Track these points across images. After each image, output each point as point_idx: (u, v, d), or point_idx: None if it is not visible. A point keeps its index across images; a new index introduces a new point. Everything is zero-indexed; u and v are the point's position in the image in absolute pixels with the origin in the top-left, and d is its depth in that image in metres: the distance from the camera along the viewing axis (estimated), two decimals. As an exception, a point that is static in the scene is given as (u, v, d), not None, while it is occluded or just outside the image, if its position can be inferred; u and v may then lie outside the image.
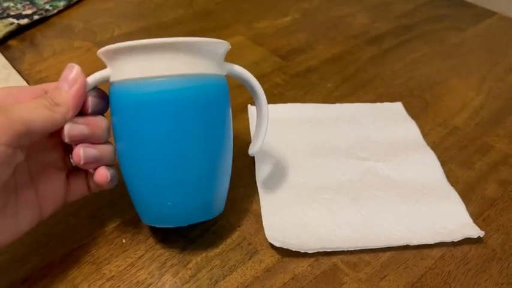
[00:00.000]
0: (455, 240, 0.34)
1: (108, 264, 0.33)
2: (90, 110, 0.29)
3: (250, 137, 0.44)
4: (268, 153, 0.42)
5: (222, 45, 0.30)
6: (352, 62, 0.58)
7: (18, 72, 0.53)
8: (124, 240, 0.34)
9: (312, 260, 0.33)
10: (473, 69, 0.58)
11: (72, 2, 0.69)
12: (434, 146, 0.44)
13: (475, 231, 0.35)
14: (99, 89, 0.30)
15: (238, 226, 0.36)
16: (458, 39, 0.65)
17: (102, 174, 0.30)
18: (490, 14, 0.73)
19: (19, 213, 0.28)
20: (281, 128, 0.45)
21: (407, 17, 0.70)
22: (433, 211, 0.37)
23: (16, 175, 0.28)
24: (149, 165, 0.30)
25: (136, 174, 0.31)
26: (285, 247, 0.33)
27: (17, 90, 0.28)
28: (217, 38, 0.30)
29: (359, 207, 0.37)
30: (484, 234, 0.35)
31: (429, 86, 0.54)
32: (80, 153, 0.29)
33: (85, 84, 0.28)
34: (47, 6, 0.66)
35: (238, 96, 0.48)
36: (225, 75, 0.32)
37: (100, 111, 0.30)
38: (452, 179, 0.41)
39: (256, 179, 0.39)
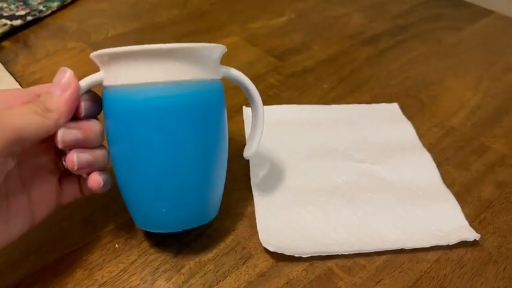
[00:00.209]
0: (450, 244, 0.34)
1: (100, 269, 0.32)
2: (83, 114, 0.29)
3: (245, 139, 0.44)
4: (264, 155, 0.42)
5: (218, 50, 0.30)
6: (348, 62, 0.58)
7: (11, 74, 0.52)
8: (117, 245, 0.34)
9: (306, 264, 0.33)
10: (470, 68, 0.58)
11: (66, 3, 0.68)
12: (430, 147, 0.44)
13: (471, 234, 0.35)
14: (91, 91, 0.30)
15: (233, 230, 0.35)
16: (455, 38, 0.65)
17: (95, 180, 0.29)
18: (487, 13, 0.72)
19: (10, 220, 0.28)
20: (276, 130, 0.45)
21: (403, 17, 0.70)
22: (428, 214, 0.37)
23: (7, 181, 0.28)
24: (144, 171, 0.29)
25: (131, 180, 0.30)
26: (279, 251, 0.33)
27: (7, 94, 0.28)
28: (212, 39, 0.30)
29: (355, 210, 0.37)
30: (480, 237, 0.34)
31: (425, 86, 0.54)
32: (74, 159, 0.28)
33: (78, 88, 0.28)
34: (41, 7, 0.65)
35: (233, 98, 0.47)
36: (221, 79, 0.32)
37: (93, 115, 0.30)
38: (449, 181, 0.40)
39: (251, 182, 0.39)
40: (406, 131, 0.46)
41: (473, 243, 0.35)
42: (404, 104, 0.50)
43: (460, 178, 0.41)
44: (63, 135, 0.27)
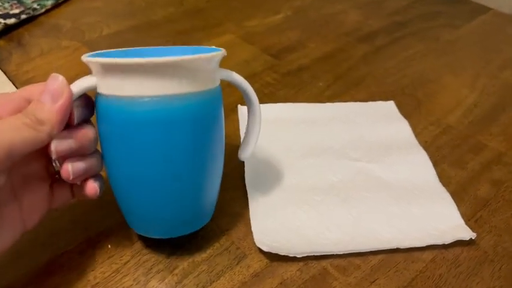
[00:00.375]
0: (446, 243, 0.34)
1: (93, 270, 0.32)
2: (76, 122, 0.27)
3: (240, 138, 0.43)
4: (258, 154, 0.42)
5: (216, 58, 0.29)
6: (344, 60, 0.57)
7: (5, 73, 0.52)
8: (109, 246, 0.34)
9: (301, 264, 0.33)
10: (467, 66, 0.58)
11: (60, 1, 0.68)
12: (426, 146, 0.44)
13: (467, 234, 0.34)
14: (84, 94, 0.28)
15: (227, 230, 0.35)
16: (452, 36, 0.64)
17: (92, 188, 0.29)
18: (485, 10, 0.72)
19: (2, 229, 0.26)
20: (272, 129, 0.45)
21: (400, 14, 0.70)
22: (424, 213, 0.36)
23: None
24: (139, 180, 0.29)
25: (126, 187, 0.30)
26: (274, 251, 0.32)
27: None
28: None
29: (350, 209, 0.37)
30: (475, 236, 0.34)
31: (422, 83, 0.54)
32: (69, 169, 0.27)
33: (71, 96, 0.26)
34: (35, 5, 0.64)
35: (229, 96, 0.47)
36: (219, 84, 0.31)
37: (86, 120, 0.29)
38: (445, 179, 0.40)
39: (246, 181, 0.39)
40: (402, 129, 0.46)
41: (469, 243, 0.35)
42: (400, 102, 0.50)
43: (456, 177, 0.41)
44: (57, 146, 0.26)
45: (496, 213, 0.37)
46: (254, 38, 0.61)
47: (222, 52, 0.29)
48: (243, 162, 0.40)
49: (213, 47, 0.30)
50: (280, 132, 0.44)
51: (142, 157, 0.28)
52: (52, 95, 0.26)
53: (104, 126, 0.28)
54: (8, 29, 0.60)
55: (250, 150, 0.35)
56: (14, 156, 0.24)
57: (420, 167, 0.41)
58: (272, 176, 0.39)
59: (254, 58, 0.57)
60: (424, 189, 0.39)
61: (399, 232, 0.35)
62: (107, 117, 0.28)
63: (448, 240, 0.34)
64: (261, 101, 0.48)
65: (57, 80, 0.26)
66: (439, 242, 0.34)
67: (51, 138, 0.26)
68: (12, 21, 0.60)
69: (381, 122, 0.46)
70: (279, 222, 0.35)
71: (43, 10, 0.65)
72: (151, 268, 0.32)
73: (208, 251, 0.34)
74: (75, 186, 0.31)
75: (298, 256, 0.33)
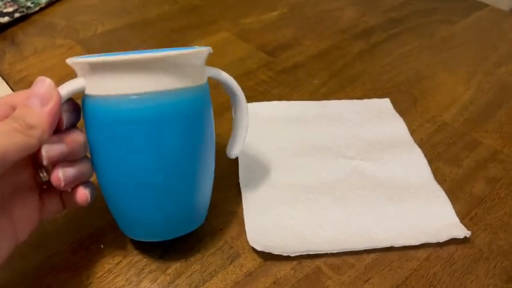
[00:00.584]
0: (441, 241, 0.34)
1: (85, 270, 0.32)
2: (65, 126, 0.27)
3: (234, 137, 0.43)
4: (252, 153, 0.41)
5: (203, 54, 0.29)
6: (339, 57, 0.57)
7: (-2, 72, 0.52)
8: (102, 246, 0.34)
9: (294, 263, 0.33)
10: (463, 63, 0.57)
11: (54, -1, 0.67)
12: (421, 143, 0.44)
13: (462, 232, 0.34)
14: (70, 99, 0.28)
15: (220, 229, 0.35)
16: (448, 32, 0.64)
17: (82, 194, 0.28)
18: (482, 6, 0.72)
19: None
20: (266, 127, 0.44)
21: (396, 11, 0.69)
22: (419, 211, 0.36)
23: None
24: (130, 183, 0.28)
25: (117, 191, 0.29)
26: (267, 251, 0.32)
27: None
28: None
29: (344, 208, 0.36)
30: (470, 234, 0.34)
31: (418, 81, 0.53)
32: (60, 176, 0.26)
33: (60, 100, 0.26)
34: (29, 4, 0.64)
35: (223, 95, 0.46)
36: (207, 82, 0.31)
37: (73, 125, 0.28)
38: (440, 177, 0.40)
39: (240, 180, 0.38)
40: (397, 127, 0.45)
41: (464, 240, 0.34)
42: (396, 100, 0.49)
43: (452, 174, 0.41)
44: (48, 151, 0.25)
45: (491, 211, 0.37)
46: (249, 35, 0.61)
47: (207, 49, 0.29)
48: (237, 161, 0.40)
49: (208, 47, 0.29)
50: (274, 131, 0.44)
51: (133, 157, 0.27)
52: (41, 98, 0.25)
53: (93, 129, 0.28)
54: (2, 27, 0.60)
55: (239, 148, 0.35)
56: (6, 162, 0.23)
57: (415, 164, 0.41)
58: (266, 175, 0.39)
59: (249, 56, 0.56)
60: (419, 187, 0.38)
61: (393, 230, 0.35)
62: (94, 119, 0.28)
63: (442, 238, 0.34)
64: (256, 99, 0.48)
65: (45, 83, 0.25)
66: (434, 240, 0.34)
67: (41, 143, 0.25)
68: (5, 19, 0.60)
69: (376, 119, 0.46)
70: (272, 221, 0.35)
71: (37, 8, 0.64)
72: (144, 268, 0.32)
73: (201, 251, 0.33)
74: (65, 195, 0.30)
75: (291, 255, 0.32)
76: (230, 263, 0.33)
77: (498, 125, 0.47)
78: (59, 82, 0.26)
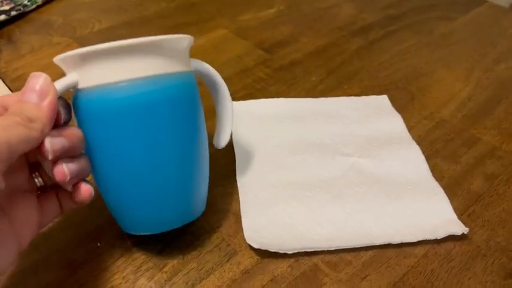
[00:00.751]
0: (438, 238, 0.34)
1: (82, 269, 0.32)
2: (62, 121, 0.27)
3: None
4: (249, 150, 0.41)
5: (185, 40, 0.29)
6: (337, 54, 0.57)
7: (-6, 70, 0.51)
8: (99, 244, 0.33)
9: (291, 260, 0.33)
10: (462, 59, 0.57)
11: (51, -3, 0.67)
12: (419, 140, 0.43)
13: (459, 228, 0.34)
14: (62, 97, 0.28)
15: (217, 227, 0.35)
16: (446, 29, 0.64)
17: (86, 190, 0.28)
18: (480, 2, 0.71)
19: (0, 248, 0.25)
20: (263, 124, 0.44)
21: (394, 7, 0.69)
22: (417, 208, 0.36)
23: None
24: (126, 172, 0.28)
25: (113, 185, 0.29)
26: (264, 248, 0.32)
27: None
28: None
29: (342, 205, 0.36)
30: (468, 231, 0.34)
31: (416, 77, 0.53)
32: (65, 170, 0.26)
33: (56, 94, 0.25)
34: (25, 2, 0.64)
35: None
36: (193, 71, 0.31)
37: (66, 123, 0.28)
38: (438, 174, 0.40)
39: (237, 178, 0.38)
40: (395, 123, 0.45)
41: (462, 237, 0.34)
42: (394, 96, 0.49)
43: (449, 171, 0.40)
44: (52, 144, 0.25)
45: (489, 208, 0.37)
46: (247, 32, 0.61)
47: (189, 37, 0.30)
48: (234, 159, 0.40)
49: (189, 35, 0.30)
50: (271, 128, 0.44)
51: (128, 145, 0.28)
52: (38, 92, 0.25)
53: (85, 124, 0.28)
54: (-2, 25, 0.60)
55: (227, 137, 0.35)
56: (12, 153, 0.22)
57: (413, 161, 0.41)
58: (263, 172, 0.39)
59: (247, 53, 0.56)
60: (417, 184, 0.38)
61: (391, 227, 0.35)
62: (86, 112, 0.28)
63: (440, 235, 0.34)
64: (253, 96, 0.48)
65: (40, 77, 0.25)
66: (432, 237, 0.34)
67: (43, 136, 0.25)
68: (2, 17, 0.60)
69: (374, 116, 0.46)
70: (270, 218, 0.35)
71: (34, 6, 0.64)
72: (141, 266, 0.32)
73: (198, 248, 0.33)
74: (63, 198, 0.29)
75: (289, 252, 0.32)
76: (227, 261, 0.32)
77: (497, 122, 0.47)
78: (55, 80, 0.26)
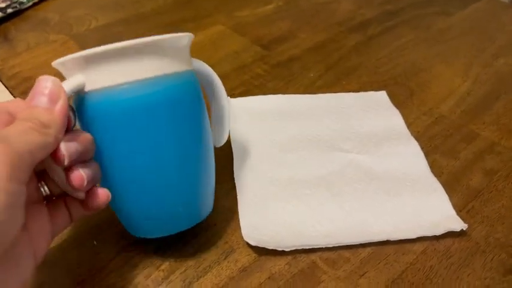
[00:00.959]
0: (437, 234, 0.33)
1: (78, 267, 0.32)
2: (72, 126, 0.26)
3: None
4: (247, 147, 0.41)
5: (185, 38, 0.29)
6: (335, 50, 0.57)
7: (-10, 68, 0.51)
8: (95, 243, 0.33)
9: (289, 257, 0.32)
10: (460, 54, 0.57)
11: (47, -6, 0.67)
12: (418, 136, 0.43)
13: (458, 225, 0.34)
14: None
15: (215, 225, 0.35)
16: (445, 24, 0.64)
17: (103, 193, 0.27)
18: (479, -3, 0.71)
19: (20, 262, 0.23)
20: (261, 121, 0.44)
21: (392, 3, 0.68)
22: (415, 204, 0.36)
23: None
24: (134, 176, 0.28)
25: (121, 190, 0.29)
26: (261, 245, 0.32)
27: None
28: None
29: (341, 202, 0.36)
30: (467, 227, 0.34)
31: (414, 73, 0.53)
32: (82, 175, 0.25)
33: (67, 97, 0.25)
34: (21, -1, 0.63)
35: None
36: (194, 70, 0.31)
37: (73, 127, 0.27)
38: (437, 170, 0.40)
39: (234, 175, 0.38)
40: (394, 119, 0.45)
41: (461, 233, 0.34)
42: (392, 92, 0.49)
43: (449, 167, 0.40)
44: (68, 149, 0.24)
45: (488, 203, 0.37)
46: (245, 28, 0.60)
47: (189, 34, 0.29)
48: (231, 156, 0.40)
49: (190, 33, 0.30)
50: (269, 125, 0.44)
51: (137, 148, 0.27)
52: (49, 97, 0.24)
53: (93, 127, 0.27)
54: (-6, 23, 0.59)
55: (226, 135, 0.35)
56: (35, 160, 0.22)
57: (412, 157, 0.41)
58: (261, 170, 0.39)
59: (244, 49, 0.56)
60: (416, 180, 0.38)
61: (390, 224, 0.34)
62: (94, 115, 0.27)
63: (439, 231, 0.33)
64: (251, 93, 0.48)
65: (49, 81, 0.24)
66: (430, 233, 0.33)
67: (58, 142, 0.24)
68: (-2, 15, 0.59)
69: (373, 112, 0.46)
70: (268, 216, 0.35)
71: (30, 3, 0.64)
72: (138, 264, 0.32)
73: (195, 246, 0.33)
74: (72, 206, 0.28)
75: (286, 250, 0.32)
76: (225, 259, 0.32)
77: (495, 117, 0.46)
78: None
